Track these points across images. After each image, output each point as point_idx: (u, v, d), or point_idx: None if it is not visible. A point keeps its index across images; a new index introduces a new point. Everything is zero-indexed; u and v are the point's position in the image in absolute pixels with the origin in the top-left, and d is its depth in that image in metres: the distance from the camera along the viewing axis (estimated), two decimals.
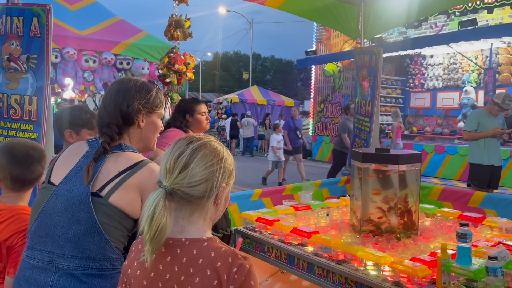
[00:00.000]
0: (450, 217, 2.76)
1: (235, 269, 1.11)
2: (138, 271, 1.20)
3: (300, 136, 10.00)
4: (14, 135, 2.99)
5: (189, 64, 3.71)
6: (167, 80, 3.77)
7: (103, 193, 1.48)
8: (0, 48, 2.98)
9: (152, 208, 1.11)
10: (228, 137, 17.06)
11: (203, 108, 3.30)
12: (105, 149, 1.54)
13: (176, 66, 3.60)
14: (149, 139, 1.69)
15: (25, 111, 2.98)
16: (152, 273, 1.17)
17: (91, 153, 1.55)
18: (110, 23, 8.64)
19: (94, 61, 8.02)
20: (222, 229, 3.22)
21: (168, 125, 3.28)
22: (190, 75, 3.76)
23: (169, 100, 3.91)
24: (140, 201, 1.50)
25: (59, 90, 8.43)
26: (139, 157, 1.58)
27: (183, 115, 3.25)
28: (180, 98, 3.95)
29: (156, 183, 1.19)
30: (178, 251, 1.16)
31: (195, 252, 1.15)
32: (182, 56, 3.77)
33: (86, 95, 9.32)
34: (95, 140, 1.62)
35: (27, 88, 2.98)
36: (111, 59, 8.16)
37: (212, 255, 1.13)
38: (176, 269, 1.15)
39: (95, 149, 1.56)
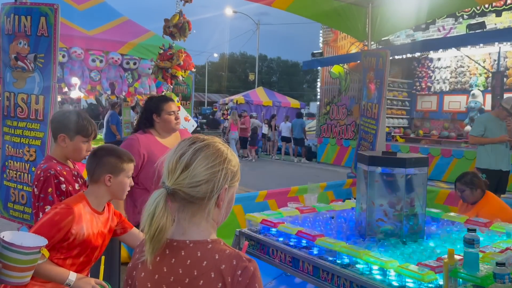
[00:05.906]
0: (457, 222, 2.73)
1: (240, 271, 1.09)
2: (143, 274, 1.19)
3: None
4: (21, 134, 3.00)
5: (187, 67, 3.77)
6: (173, 73, 3.76)
7: None
8: (7, 47, 2.99)
9: (152, 208, 1.10)
10: None
11: (172, 106, 2.97)
12: None
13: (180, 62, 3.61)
14: None
15: (31, 110, 2.99)
16: (157, 276, 1.16)
17: None
18: (118, 23, 8.67)
19: (101, 61, 8.04)
20: None
21: (135, 127, 3.10)
22: (187, 73, 3.80)
23: None
24: None
25: (66, 90, 8.47)
26: None
27: (150, 115, 2.98)
28: (176, 99, 3.99)
29: (160, 184, 1.17)
30: (183, 253, 1.15)
31: (199, 254, 1.13)
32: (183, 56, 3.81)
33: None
34: None
35: (34, 87, 2.99)
36: (118, 59, 8.17)
37: (216, 257, 1.12)
38: (180, 272, 1.14)
39: None
